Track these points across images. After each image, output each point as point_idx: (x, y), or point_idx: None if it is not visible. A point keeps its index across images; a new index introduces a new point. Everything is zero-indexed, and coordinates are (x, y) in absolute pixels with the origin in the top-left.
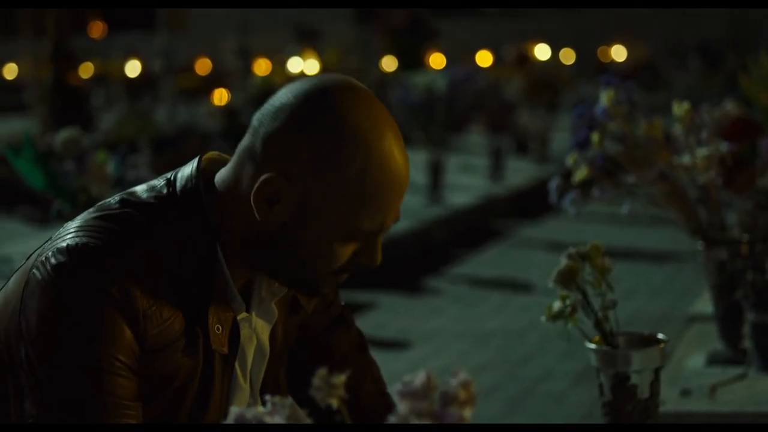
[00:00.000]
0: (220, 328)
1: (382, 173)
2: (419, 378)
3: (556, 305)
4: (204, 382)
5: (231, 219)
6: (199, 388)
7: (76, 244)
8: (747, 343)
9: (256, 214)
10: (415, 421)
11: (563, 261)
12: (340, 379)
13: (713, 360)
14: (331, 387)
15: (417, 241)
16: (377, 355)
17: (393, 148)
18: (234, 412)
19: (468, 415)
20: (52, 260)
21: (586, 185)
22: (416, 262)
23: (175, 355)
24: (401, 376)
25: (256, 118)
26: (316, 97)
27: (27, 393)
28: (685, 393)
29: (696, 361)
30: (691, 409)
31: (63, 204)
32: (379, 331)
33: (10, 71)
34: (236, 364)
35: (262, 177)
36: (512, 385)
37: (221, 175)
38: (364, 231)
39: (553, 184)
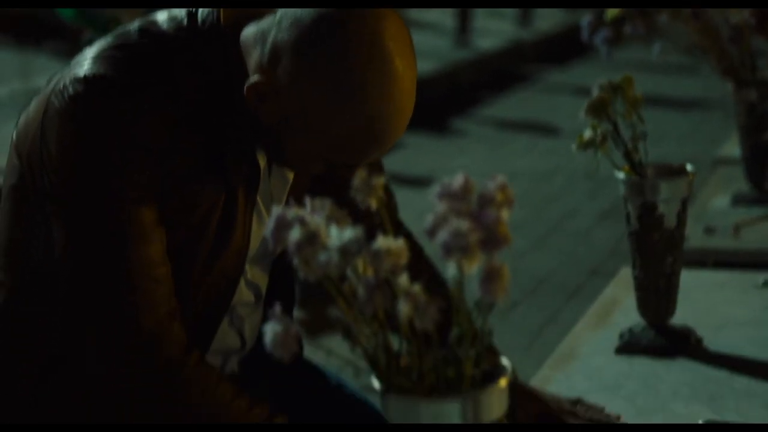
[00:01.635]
0: (239, 161)
1: (374, 129)
2: (457, 180)
3: (587, 134)
4: (226, 211)
5: (241, 76)
6: (222, 218)
7: (94, 75)
8: None
9: (246, 103)
10: (453, 220)
11: (595, 92)
12: (380, 180)
13: (738, 200)
14: (370, 188)
15: (444, 83)
16: (404, 193)
17: (395, 106)
18: (275, 212)
19: (505, 216)
20: (70, 89)
21: (618, 24)
22: (443, 103)
23: (195, 188)
24: (426, 213)
25: (282, 10)
26: (334, 29)
27: (53, 219)
28: (709, 231)
29: (721, 201)
30: (715, 246)
31: (94, 34)
32: (405, 169)
33: None
34: (258, 196)
35: (255, 78)
36: (538, 223)
37: (245, 33)
38: (344, 162)
39: (585, 22)
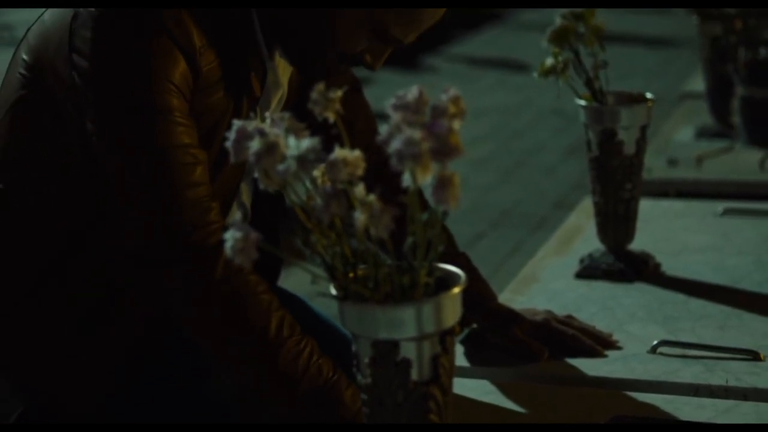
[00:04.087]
0: (254, 73)
1: None
2: (412, 92)
3: (548, 61)
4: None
5: None
6: (229, 127)
7: None
8: (735, 118)
9: None
10: (406, 129)
11: (557, 20)
12: (337, 93)
13: (701, 133)
14: (327, 100)
15: None
16: None
17: None
18: (236, 124)
19: (457, 126)
20: None
21: None
22: (415, 40)
23: (215, 96)
24: None
25: None
26: None
27: (87, 115)
28: (672, 162)
29: (684, 134)
30: (677, 177)
31: None
32: (376, 105)
33: None
34: (258, 108)
35: None
36: (506, 157)
37: None
38: (390, 35)
39: None
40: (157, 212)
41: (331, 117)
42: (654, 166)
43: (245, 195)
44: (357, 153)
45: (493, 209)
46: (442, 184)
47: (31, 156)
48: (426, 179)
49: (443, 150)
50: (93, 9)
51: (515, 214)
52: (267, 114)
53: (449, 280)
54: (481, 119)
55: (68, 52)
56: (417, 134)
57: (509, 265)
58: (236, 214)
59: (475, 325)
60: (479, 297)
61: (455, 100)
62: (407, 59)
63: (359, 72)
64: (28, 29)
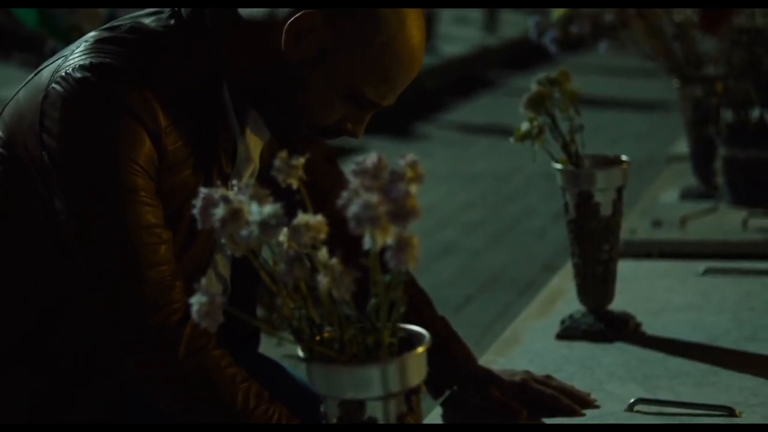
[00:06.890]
0: (225, 149)
1: (403, 53)
2: (371, 159)
3: (524, 126)
4: None
5: (246, 46)
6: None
7: (100, 62)
8: (719, 178)
9: (282, 44)
10: (364, 193)
11: (533, 86)
12: (300, 161)
13: (686, 195)
14: (290, 168)
15: (409, 88)
16: None
17: (418, 41)
18: (202, 192)
19: (414, 190)
20: (77, 75)
21: (567, 24)
22: (407, 108)
23: (183, 173)
24: None
25: None
26: None
27: (57, 191)
28: (656, 224)
29: (670, 196)
30: (661, 238)
31: (57, 43)
32: None
33: None
34: (230, 183)
35: (306, 10)
36: (496, 221)
37: (249, 10)
38: (365, 98)
39: (533, 21)
40: (120, 292)
41: (294, 184)
42: (638, 228)
43: (222, 266)
44: (319, 218)
45: (482, 273)
46: (401, 246)
47: (5, 231)
48: (385, 241)
49: (400, 213)
50: (62, 89)
51: (504, 278)
52: (233, 182)
53: (414, 339)
54: (473, 184)
55: (39, 131)
56: (374, 198)
57: (497, 328)
58: (215, 287)
59: (455, 387)
60: (458, 360)
61: (413, 165)
62: (401, 127)
63: (354, 140)
64: (5, 106)
